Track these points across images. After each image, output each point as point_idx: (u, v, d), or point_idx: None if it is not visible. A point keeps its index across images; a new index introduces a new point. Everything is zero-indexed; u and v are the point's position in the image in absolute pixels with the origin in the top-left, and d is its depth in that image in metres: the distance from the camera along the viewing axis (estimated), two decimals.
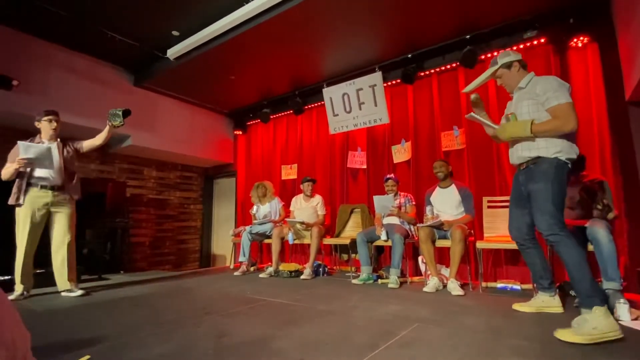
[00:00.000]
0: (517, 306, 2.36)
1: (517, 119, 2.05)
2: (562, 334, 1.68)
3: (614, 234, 2.48)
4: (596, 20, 3.27)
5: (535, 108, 2.01)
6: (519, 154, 2.09)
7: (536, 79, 2.09)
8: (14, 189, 2.87)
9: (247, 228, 4.51)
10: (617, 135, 3.15)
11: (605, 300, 1.78)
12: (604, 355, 1.52)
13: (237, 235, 4.88)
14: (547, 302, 2.26)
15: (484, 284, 3.23)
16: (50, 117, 2.96)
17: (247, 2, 3.45)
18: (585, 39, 3.33)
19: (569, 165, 1.97)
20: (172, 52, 4.30)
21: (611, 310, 2.13)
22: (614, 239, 2.36)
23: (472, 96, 2.28)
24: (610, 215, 2.57)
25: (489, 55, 3.84)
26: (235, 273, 4.25)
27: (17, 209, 2.87)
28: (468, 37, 3.74)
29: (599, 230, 2.37)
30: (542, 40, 3.57)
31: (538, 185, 1.97)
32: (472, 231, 3.51)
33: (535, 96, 2.01)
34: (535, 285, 2.46)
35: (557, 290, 2.29)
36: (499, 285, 3.25)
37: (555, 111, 1.93)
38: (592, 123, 3.29)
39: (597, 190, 2.66)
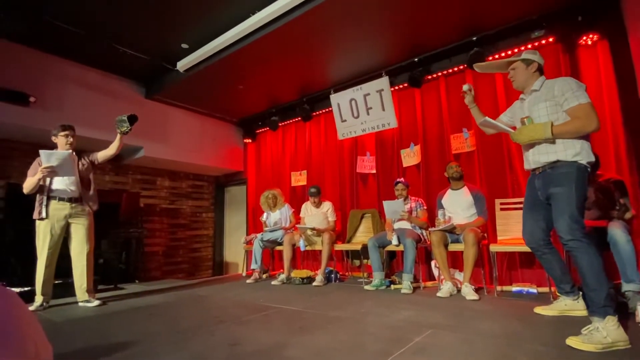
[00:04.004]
0: (539, 309, 2.32)
1: (533, 122, 2.01)
2: (574, 342, 1.65)
3: (632, 234, 2.42)
4: (605, 17, 3.22)
5: (553, 109, 1.97)
6: (535, 158, 2.04)
7: (551, 81, 2.05)
8: (36, 204, 2.95)
9: (259, 235, 4.54)
10: (632, 133, 3.09)
11: (617, 309, 1.74)
12: (624, 359, 1.49)
13: (249, 242, 4.91)
14: (571, 306, 2.20)
15: (499, 288, 3.18)
16: (66, 132, 3.04)
17: (254, 14, 3.51)
18: (595, 36, 3.28)
19: (589, 170, 1.92)
20: (182, 65, 4.39)
21: (632, 312, 2.09)
22: (633, 240, 2.31)
23: (465, 86, 2.38)
24: (628, 215, 2.51)
25: (497, 56, 3.80)
26: (248, 280, 4.27)
27: (38, 222, 2.95)
28: (474, 38, 3.72)
29: (616, 231, 2.32)
30: (551, 40, 3.53)
31: (560, 188, 1.91)
32: (486, 234, 3.46)
33: (552, 97, 1.97)
34: (556, 289, 2.40)
35: (580, 293, 2.21)
36: (515, 288, 3.19)
37: (577, 111, 1.88)
38: (605, 121, 3.22)
39: (613, 190, 2.60)
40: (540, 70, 2.14)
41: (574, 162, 1.89)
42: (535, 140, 1.98)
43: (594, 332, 1.66)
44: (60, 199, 2.98)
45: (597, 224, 2.52)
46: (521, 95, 2.22)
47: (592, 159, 1.92)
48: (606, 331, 1.63)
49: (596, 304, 1.75)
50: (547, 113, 1.98)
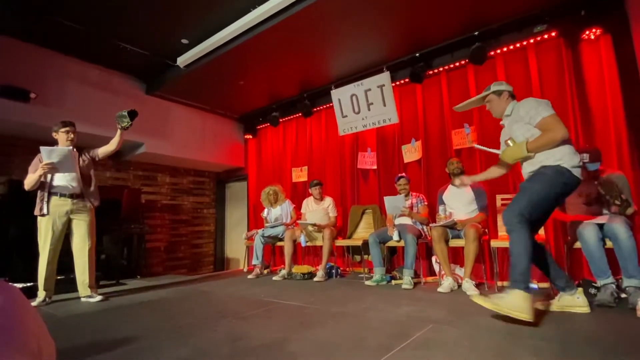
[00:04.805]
0: (539, 305, 2.32)
1: (515, 142, 2.19)
2: (478, 298, 2.00)
3: (634, 229, 2.42)
4: (608, 11, 3.19)
5: (525, 129, 2.16)
6: (525, 170, 2.22)
7: (518, 105, 2.25)
8: (37, 200, 2.96)
9: (260, 231, 4.55)
10: (635, 128, 3.07)
11: (529, 289, 1.93)
12: (626, 354, 1.49)
13: (250, 238, 4.92)
14: (570, 302, 2.19)
15: (499, 283, 3.18)
16: (67, 128, 3.04)
17: (254, 8, 3.48)
18: (598, 30, 3.26)
19: (573, 173, 2.01)
20: (182, 60, 4.37)
21: (633, 307, 2.09)
22: (634, 235, 2.31)
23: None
24: (629, 211, 2.50)
25: (499, 51, 3.79)
26: (249, 276, 4.28)
27: (40, 218, 2.96)
28: (476, 33, 3.69)
29: (618, 227, 2.32)
30: (553, 34, 3.50)
31: (526, 183, 2.13)
32: (487, 230, 3.47)
33: (520, 119, 2.19)
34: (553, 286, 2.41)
35: (578, 289, 2.21)
36: None
37: (542, 125, 2.08)
38: (607, 116, 3.21)
39: (615, 185, 2.58)
40: (512, 96, 2.35)
41: (556, 166, 2.03)
42: (517, 159, 2.19)
43: (501, 296, 1.93)
44: (62, 195, 2.99)
45: (599, 219, 2.52)
46: (501, 122, 2.42)
47: (575, 162, 2.03)
48: (508, 298, 1.89)
49: (512, 277, 1.98)
50: (522, 133, 2.18)
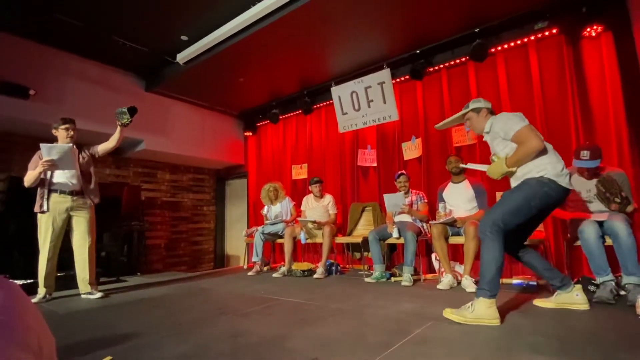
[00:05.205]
0: (538, 302, 2.33)
1: (499, 157, 2.19)
2: (447, 313, 2.01)
3: (634, 227, 2.42)
4: (610, 8, 3.18)
5: (504, 144, 2.16)
6: (512, 186, 2.20)
7: (495, 120, 2.23)
8: (37, 197, 2.96)
9: (260, 228, 4.55)
10: (635, 125, 3.07)
11: (495, 295, 1.94)
12: (625, 352, 1.49)
13: (250, 235, 4.93)
14: (568, 299, 2.20)
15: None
16: (67, 125, 3.03)
17: (253, 5, 3.47)
18: (599, 28, 3.24)
19: (559, 183, 1.98)
20: (182, 57, 4.36)
21: (632, 305, 2.09)
22: (634, 233, 2.31)
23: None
24: (629, 208, 2.50)
25: (499, 48, 3.78)
26: (249, 273, 4.29)
27: (40, 215, 2.96)
28: (477, 30, 3.68)
29: (618, 224, 2.33)
30: (554, 31, 3.48)
31: (506, 193, 2.16)
32: None
33: (497, 135, 2.19)
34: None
35: (576, 286, 2.21)
36: (515, 281, 3.19)
37: (517, 138, 2.06)
38: (608, 113, 3.21)
39: (615, 183, 2.58)
40: (491, 112, 2.33)
41: (539, 177, 2.01)
42: (502, 174, 2.18)
43: (466, 307, 1.97)
44: (62, 192, 2.99)
45: (599, 217, 2.52)
46: (483, 139, 2.41)
47: (558, 170, 2.01)
48: (474, 308, 1.93)
49: (479, 285, 2.00)
50: (502, 149, 2.18)
